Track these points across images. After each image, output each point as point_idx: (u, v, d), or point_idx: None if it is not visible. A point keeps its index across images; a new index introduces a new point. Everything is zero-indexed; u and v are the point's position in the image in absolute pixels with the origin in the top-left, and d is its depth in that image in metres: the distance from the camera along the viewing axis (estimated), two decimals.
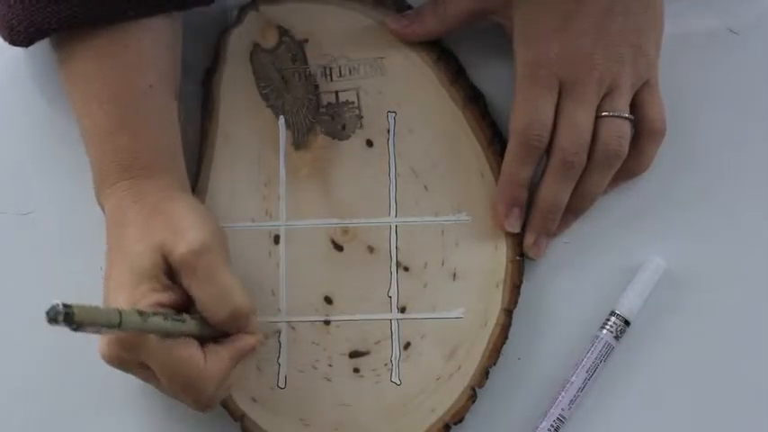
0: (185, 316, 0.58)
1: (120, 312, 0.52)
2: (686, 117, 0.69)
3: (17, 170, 0.69)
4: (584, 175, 0.66)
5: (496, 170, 0.68)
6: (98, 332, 0.52)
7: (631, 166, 0.68)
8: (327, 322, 0.67)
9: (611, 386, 0.67)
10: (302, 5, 0.70)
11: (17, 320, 0.66)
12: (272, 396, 0.66)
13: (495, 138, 0.68)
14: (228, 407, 0.65)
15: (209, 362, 0.58)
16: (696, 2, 0.71)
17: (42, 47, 0.63)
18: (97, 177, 0.63)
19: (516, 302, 0.67)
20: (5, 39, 0.63)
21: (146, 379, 0.59)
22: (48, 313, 0.47)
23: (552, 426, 0.65)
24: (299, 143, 0.69)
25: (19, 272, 0.68)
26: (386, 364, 0.66)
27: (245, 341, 0.59)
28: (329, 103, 0.69)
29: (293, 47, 0.70)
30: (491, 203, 0.68)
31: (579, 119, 0.65)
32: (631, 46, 0.65)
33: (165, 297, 0.58)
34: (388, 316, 0.67)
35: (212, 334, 0.59)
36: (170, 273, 0.58)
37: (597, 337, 0.66)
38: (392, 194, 0.68)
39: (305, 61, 0.69)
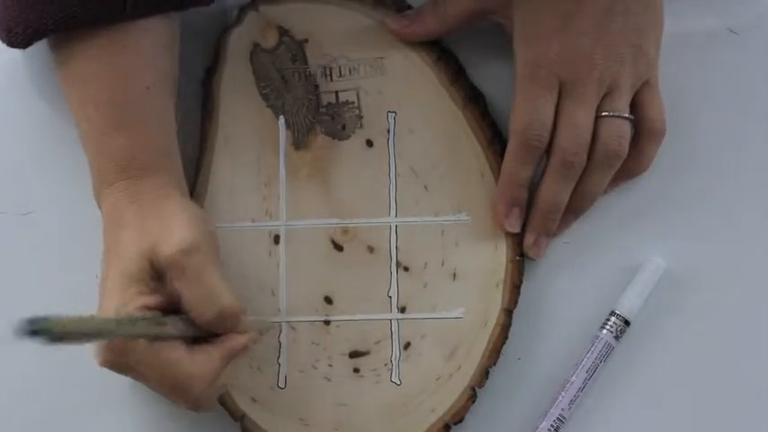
0: (171, 318, 0.58)
1: (95, 321, 0.53)
2: (686, 117, 0.69)
3: (17, 170, 0.69)
4: (585, 175, 0.66)
5: (496, 170, 0.68)
6: (79, 343, 0.52)
7: (631, 166, 0.68)
8: (327, 322, 0.67)
9: (611, 386, 0.67)
10: (302, 5, 0.69)
11: (17, 320, 0.66)
12: (271, 396, 0.66)
13: (495, 138, 0.68)
14: (228, 407, 0.65)
15: (198, 361, 0.58)
16: (696, 2, 0.71)
17: (40, 48, 0.63)
18: (95, 178, 0.63)
19: (516, 302, 0.67)
20: (3, 40, 0.63)
21: (142, 381, 0.59)
22: (20, 329, 0.47)
23: (552, 426, 0.65)
24: (299, 143, 0.69)
25: (19, 272, 0.68)
26: (386, 364, 0.66)
27: (236, 341, 0.59)
28: (329, 103, 0.69)
29: (293, 47, 0.69)
30: (491, 203, 0.68)
31: (579, 119, 0.65)
32: (631, 46, 0.65)
33: (152, 300, 0.58)
34: (388, 316, 0.67)
35: (201, 334, 0.59)
36: (158, 276, 0.59)
37: (597, 337, 0.66)
38: (392, 194, 0.68)
39: (305, 61, 0.69)
